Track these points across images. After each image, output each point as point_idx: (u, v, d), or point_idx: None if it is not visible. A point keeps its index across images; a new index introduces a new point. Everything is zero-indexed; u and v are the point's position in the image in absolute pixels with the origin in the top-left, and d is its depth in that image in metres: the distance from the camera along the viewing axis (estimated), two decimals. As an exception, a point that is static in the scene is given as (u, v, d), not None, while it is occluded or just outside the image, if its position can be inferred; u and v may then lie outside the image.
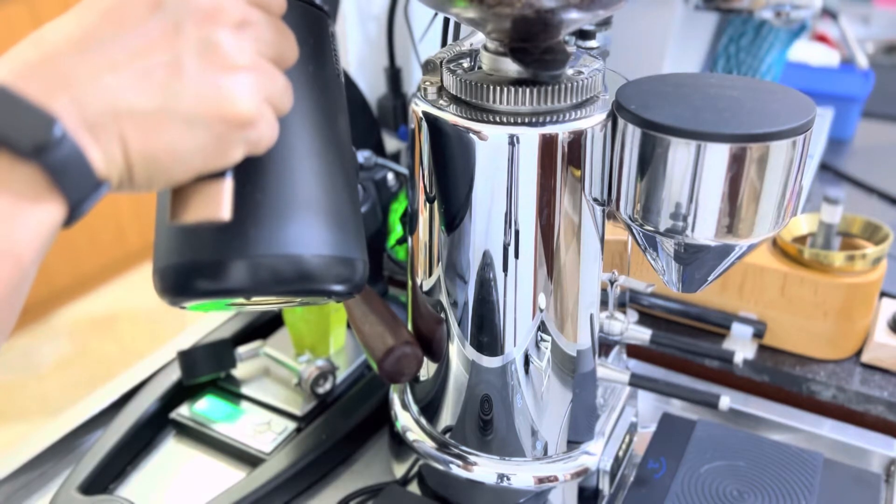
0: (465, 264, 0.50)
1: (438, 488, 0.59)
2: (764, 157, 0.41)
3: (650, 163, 0.43)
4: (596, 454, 0.57)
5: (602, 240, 0.50)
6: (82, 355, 2.18)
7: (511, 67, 0.46)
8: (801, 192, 0.48)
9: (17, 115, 0.29)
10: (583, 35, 0.56)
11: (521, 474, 0.55)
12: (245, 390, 0.71)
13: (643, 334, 0.59)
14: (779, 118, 0.41)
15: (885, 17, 1.68)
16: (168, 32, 0.32)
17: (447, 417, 0.57)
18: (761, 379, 0.72)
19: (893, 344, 0.70)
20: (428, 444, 0.58)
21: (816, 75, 1.20)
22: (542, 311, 0.50)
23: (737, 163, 0.41)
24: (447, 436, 0.57)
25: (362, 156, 0.70)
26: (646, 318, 0.78)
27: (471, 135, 0.45)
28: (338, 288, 0.40)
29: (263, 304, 0.44)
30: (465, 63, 0.49)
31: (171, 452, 0.68)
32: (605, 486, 0.58)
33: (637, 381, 0.57)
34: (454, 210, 0.49)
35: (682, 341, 0.62)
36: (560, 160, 0.45)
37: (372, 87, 0.90)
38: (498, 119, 0.45)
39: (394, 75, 0.88)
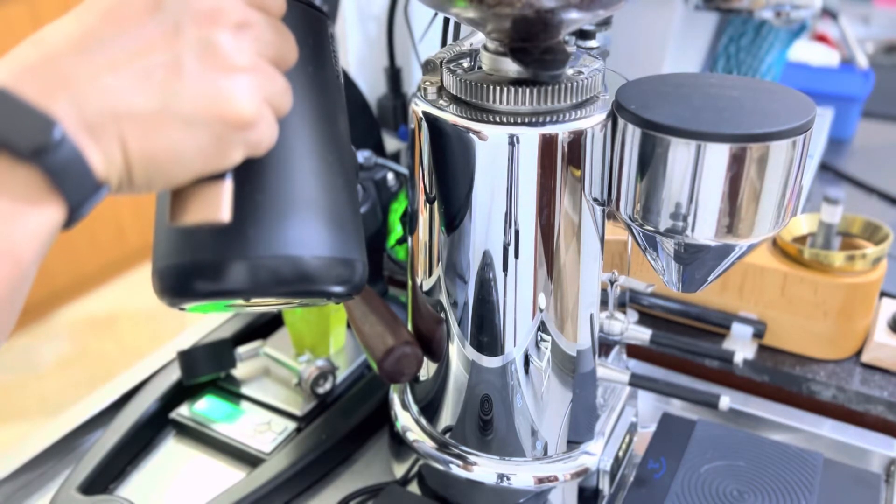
0: (465, 264, 0.50)
1: (438, 488, 0.59)
2: (764, 157, 0.41)
3: (650, 163, 0.43)
4: (596, 454, 0.57)
5: (602, 240, 0.50)
6: (82, 355, 2.18)
7: (511, 67, 0.46)
8: (801, 192, 0.48)
9: (16, 118, 0.29)
10: (583, 35, 0.56)
11: (521, 474, 0.55)
12: (245, 390, 0.71)
13: (643, 334, 0.59)
14: (779, 118, 0.41)
15: (885, 17, 1.67)
16: (168, 33, 0.32)
17: (447, 417, 0.57)
18: (761, 379, 0.72)
19: (893, 344, 0.70)
20: (428, 444, 0.58)
21: (816, 75, 1.20)
22: (542, 311, 0.50)
23: (737, 163, 0.41)
24: (447, 436, 0.57)
25: (362, 156, 0.70)
26: (646, 318, 0.78)
27: (471, 135, 0.45)
28: (337, 289, 0.40)
29: (262, 305, 0.44)
30: (465, 63, 0.49)
31: (171, 452, 0.68)
32: (605, 486, 0.58)
33: (637, 381, 0.57)
34: (454, 210, 0.49)
35: (682, 341, 0.62)
36: (560, 160, 0.45)
37: (372, 87, 0.90)
38: (498, 119, 0.45)
39: (394, 75, 0.88)
